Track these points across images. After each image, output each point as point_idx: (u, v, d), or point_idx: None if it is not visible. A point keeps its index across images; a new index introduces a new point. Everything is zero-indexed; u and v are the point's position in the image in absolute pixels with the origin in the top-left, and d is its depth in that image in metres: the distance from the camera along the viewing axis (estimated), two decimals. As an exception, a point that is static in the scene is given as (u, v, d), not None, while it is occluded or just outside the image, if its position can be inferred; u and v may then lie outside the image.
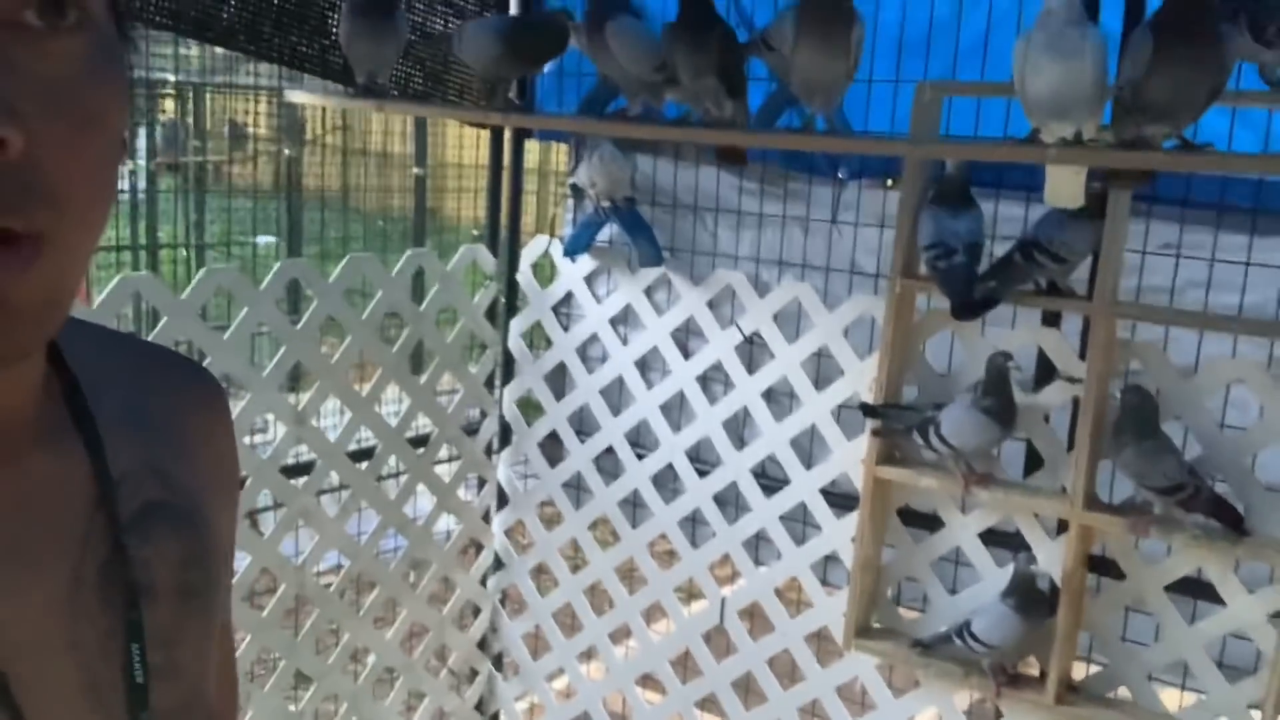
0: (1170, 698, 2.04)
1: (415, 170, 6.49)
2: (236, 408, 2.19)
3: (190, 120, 7.00)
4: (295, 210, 6.46)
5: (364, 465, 2.47)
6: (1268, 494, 1.89)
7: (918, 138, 1.97)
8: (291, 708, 2.44)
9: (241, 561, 2.27)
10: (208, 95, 7.00)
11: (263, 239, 6.19)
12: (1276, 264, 1.93)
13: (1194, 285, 2.03)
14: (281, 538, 2.33)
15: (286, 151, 6.82)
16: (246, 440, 2.25)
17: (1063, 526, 2.08)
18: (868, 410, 2.17)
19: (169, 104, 7.02)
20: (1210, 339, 2.02)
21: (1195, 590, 1.98)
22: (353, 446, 2.47)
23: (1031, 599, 2.01)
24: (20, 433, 0.57)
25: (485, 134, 2.77)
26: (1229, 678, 1.94)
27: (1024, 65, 1.69)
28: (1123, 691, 2.06)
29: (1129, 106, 1.57)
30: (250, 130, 7.17)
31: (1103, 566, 2.05)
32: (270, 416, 2.29)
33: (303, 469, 2.38)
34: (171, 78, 6.47)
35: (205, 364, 2.08)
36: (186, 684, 0.61)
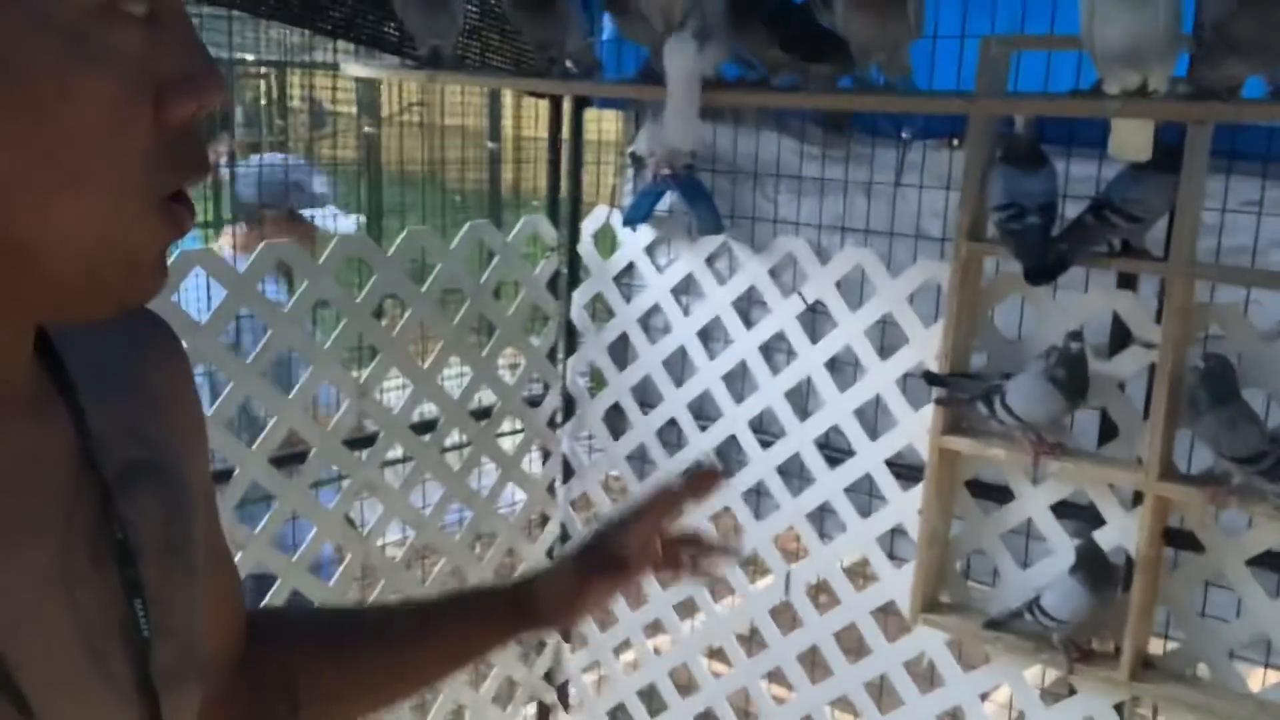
0: (1254, 676, 1.95)
1: (489, 144, 6.53)
2: (299, 381, 2.22)
3: (273, 99, 7.12)
4: (375, 187, 6.54)
5: (427, 438, 2.48)
6: (1357, 463, 1.78)
7: (980, 93, 1.89)
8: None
9: (307, 531, 2.31)
10: (290, 74, 7.10)
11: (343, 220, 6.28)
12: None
13: (1277, 245, 1.92)
14: (348, 508, 2.36)
15: (367, 129, 6.89)
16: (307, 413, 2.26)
17: (1139, 498, 1.99)
18: (931, 379, 2.10)
19: (253, 84, 7.15)
20: (1296, 301, 1.91)
21: (1278, 564, 1.88)
22: (415, 419, 2.48)
23: (1100, 573, 1.94)
24: (8, 401, 0.56)
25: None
26: (1316, 656, 1.85)
27: (1092, 14, 1.61)
28: (1201, 669, 1.98)
29: (1212, 45, 1.49)
30: (331, 108, 7.25)
31: (1180, 539, 1.96)
32: (334, 390, 2.30)
33: (366, 441, 2.40)
34: (251, 57, 6.58)
35: (265, 340, 2.11)
36: (179, 641, 0.61)
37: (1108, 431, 2.04)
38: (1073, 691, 2.13)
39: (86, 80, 0.45)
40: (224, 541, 0.77)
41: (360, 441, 2.39)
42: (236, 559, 2.14)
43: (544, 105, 2.75)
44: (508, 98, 6.31)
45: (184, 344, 0.71)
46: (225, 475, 2.08)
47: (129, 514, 0.59)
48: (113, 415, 0.61)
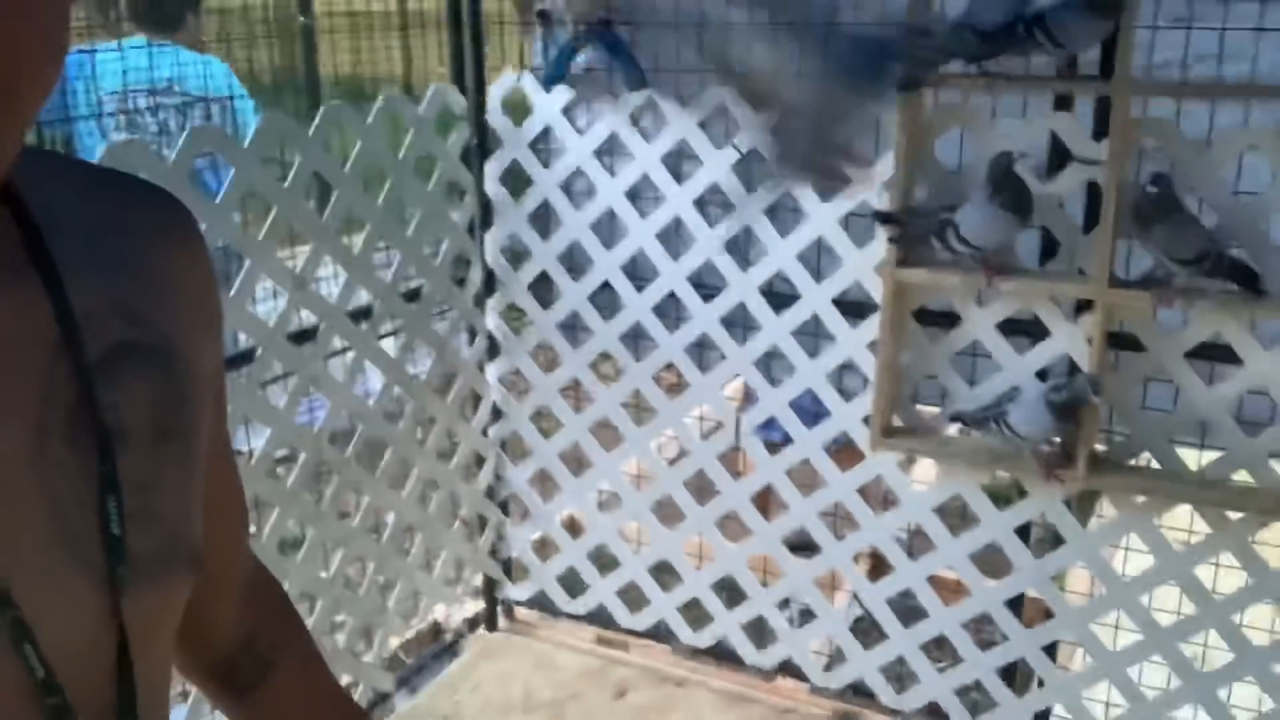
0: (1190, 458, 2.15)
1: (300, 19, 6.10)
2: (237, 279, 2.09)
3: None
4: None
5: (363, 326, 2.39)
6: (1281, 255, 1.96)
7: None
8: (322, 574, 2.42)
9: (262, 434, 2.21)
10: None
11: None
12: (1287, 28, 1.96)
13: (1202, 59, 2.05)
14: (295, 407, 2.26)
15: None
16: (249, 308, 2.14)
17: (1080, 309, 2.14)
18: (883, 218, 2.17)
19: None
20: (1221, 110, 2.06)
21: (1212, 355, 2.07)
22: (350, 308, 2.38)
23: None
24: None
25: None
26: (1248, 432, 2.05)
27: None
28: (1145, 458, 2.17)
29: None
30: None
31: (1122, 342, 2.12)
32: (269, 284, 2.18)
33: (307, 335, 2.29)
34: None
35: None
36: (167, 529, 0.59)
37: (1048, 249, 2.16)
38: (1023, 493, 2.30)
39: None
40: (229, 443, 0.75)
41: (299, 336, 2.28)
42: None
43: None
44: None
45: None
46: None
47: (112, 396, 0.57)
48: (103, 293, 0.58)
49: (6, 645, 0.51)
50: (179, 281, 0.63)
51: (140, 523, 0.57)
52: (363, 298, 2.41)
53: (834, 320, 2.37)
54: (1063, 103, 2.08)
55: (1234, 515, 2.10)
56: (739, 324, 2.50)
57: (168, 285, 0.62)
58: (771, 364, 2.52)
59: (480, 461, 2.89)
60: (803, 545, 2.59)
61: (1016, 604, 2.38)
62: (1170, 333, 2.07)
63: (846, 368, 2.41)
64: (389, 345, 2.54)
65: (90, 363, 0.56)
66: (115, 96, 3.24)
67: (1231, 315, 1.99)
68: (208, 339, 0.66)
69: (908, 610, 2.50)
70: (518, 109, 2.64)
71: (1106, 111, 2.01)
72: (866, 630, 2.61)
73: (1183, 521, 2.23)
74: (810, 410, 2.46)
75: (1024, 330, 2.21)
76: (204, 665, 0.80)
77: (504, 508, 2.97)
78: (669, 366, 2.61)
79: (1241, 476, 2.09)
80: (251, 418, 2.17)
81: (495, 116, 2.64)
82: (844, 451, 2.49)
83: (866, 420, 2.33)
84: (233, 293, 2.05)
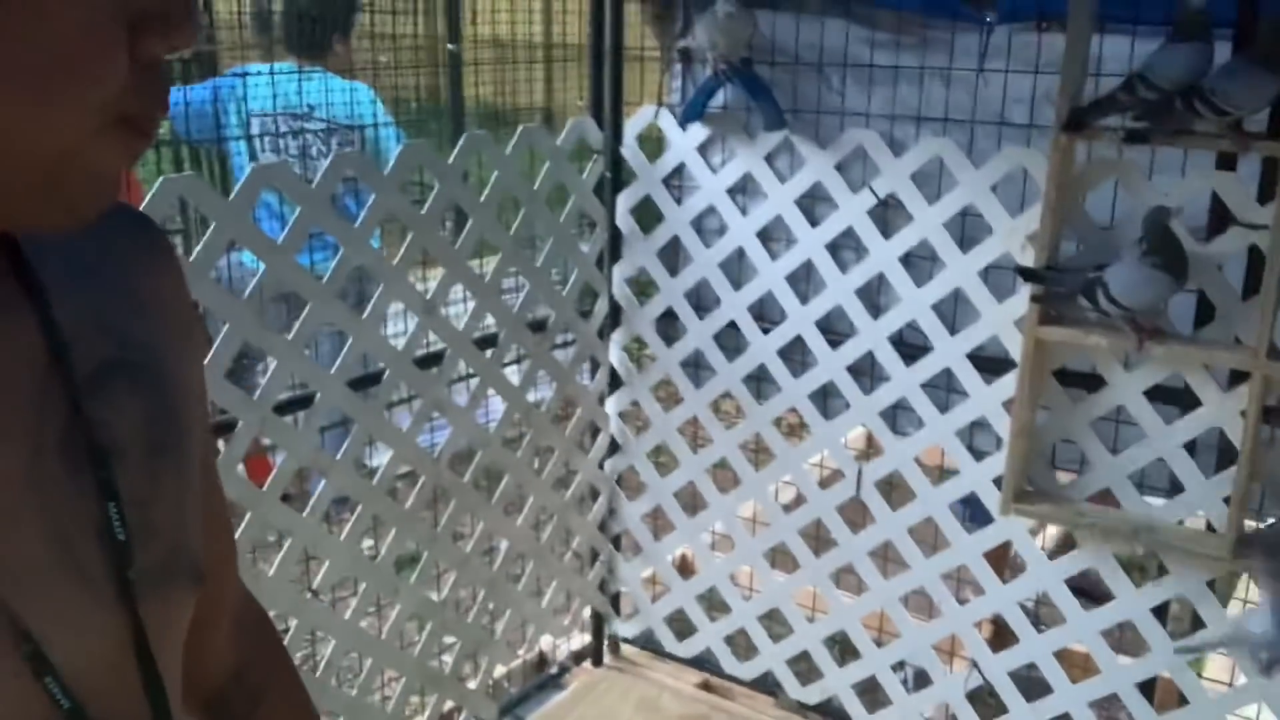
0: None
1: (449, 46, 6.23)
2: (372, 301, 2.12)
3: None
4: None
5: (489, 353, 2.41)
6: None
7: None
8: (434, 596, 2.44)
9: (383, 455, 2.23)
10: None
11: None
12: None
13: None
14: (418, 430, 2.28)
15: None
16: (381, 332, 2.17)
17: (1235, 379, 2.01)
18: (1027, 275, 2.07)
19: None
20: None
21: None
22: (477, 334, 2.40)
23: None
24: None
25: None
26: None
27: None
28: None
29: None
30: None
31: (1278, 416, 1.99)
32: (400, 306, 2.21)
33: (432, 360, 2.31)
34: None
35: (338, 258, 2.01)
36: (165, 543, 0.60)
37: (1204, 315, 2.05)
38: (1163, 571, 2.17)
39: (77, 4, 0.46)
40: (215, 470, 0.76)
41: (426, 360, 2.30)
42: (320, 486, 2.06)
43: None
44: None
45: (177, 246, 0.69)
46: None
47: (104, 414, 0.58)
48: (87, 313, 0.59)
49: (29, 679, 0.52)
50: (158, 300, 0.65)
51: (139, 537, 0.57)
52: (489, 324, 2.42)
53: (968, 374, 2.29)
54: (1226, 161, 1.97)
55: (1400, 611, 1.94)
56: (866, 373, 2.43)
57: (148, 304, 0.64)
58: (898, 416, 2.44)
59: (595, 494, 2.87)
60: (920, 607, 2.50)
61: (1149, 687, 2.24)
62: (1335, 411, 1.93)
63: (978, 425, 2.32)
64: (511, 373, 2.55)
65: (80, 381, 0.57)
66: (263, 118, 3.36)
67: (1407, 396, 1.84)
68: (191, 356, 0.68)
69: (1031, 683, 2.38)
70: (653, 144, 2.63)
71: (1273, 173, 1.90)
72: (985, 700, 2.50)
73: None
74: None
75: (1173, 399, 2.09)
76: (196, 699, 0.79)
77: (616, 542, 2.94)
78: (792, 410, 2.56)
79: None
80: (376, 438, 2.20)
81: (630, 151, 2.64)
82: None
83: (998, 481, 2.23)
84: (365, 315, 2.09)
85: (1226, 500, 2.00)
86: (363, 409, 2.12)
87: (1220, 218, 1.99)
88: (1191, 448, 2.08)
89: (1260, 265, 1.91)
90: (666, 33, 2.74)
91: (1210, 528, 2.11)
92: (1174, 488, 2.14)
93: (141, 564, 0.57)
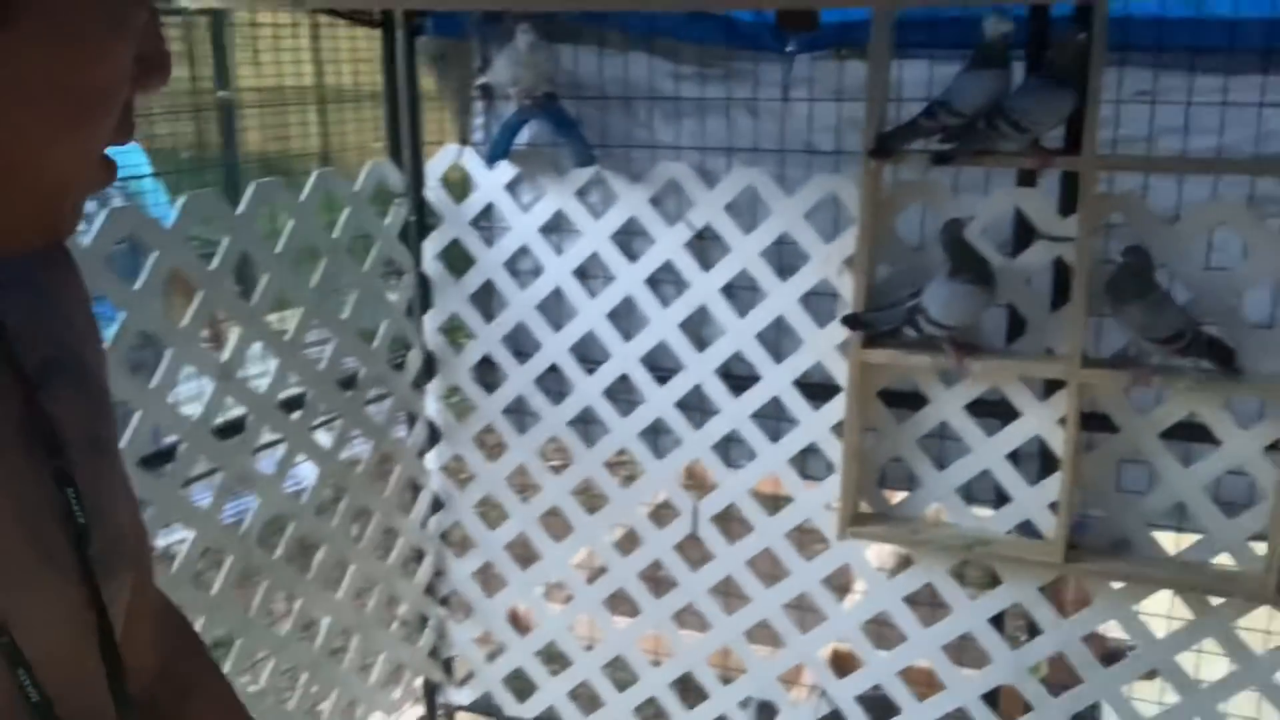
0: (1167, 541, 2.08)
1: (220, 93, 5.90)
2: (160, 368, 1.92)
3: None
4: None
5: (296, 415, 2.23)
6: (1255, 332, 1.92)
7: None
8: (251, 687, 2.23)
9: (187, 536, 2.03)
10: None
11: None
12: (1252, 103, 1.93)
13: (1168, 131, 2.02)
14: (221, 506, 2.09)
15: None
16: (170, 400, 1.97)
17: (1050, 389, 2.07)
18: (852, 323, 2.07)
19: None
20: (1189, 183, 2.02)
21: (1188, 434, 2.01)
22: (282, 396, 2.22)
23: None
24: None
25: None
26: (1226, 514, 1.99)
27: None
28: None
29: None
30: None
31: (1093, 423, 2.05)
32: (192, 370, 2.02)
33: (233, 428, 2.12)
34: None
35: (119, 320, 1.81)
36: (111, 532, 0.62)
37: (1015, 328, 2.10)
38: (996, 581, 2.20)
39: (118, 48, 0.52)
40: (124, 465, 0.75)
41: (225, 429, 2.11)
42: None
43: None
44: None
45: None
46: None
47: (52, 409, 0.59)
48: (26, 316, 0.61)
49: (3, 671, 0.53)
50: (72, 303, 0.66)
51: (94, 522, 0.59)
52: (294, 384, 2.25)
53: (796, 402, 2.28)
54: (1027, 178, 2.03)
55: (1215, 600, 2.03)
56: (695, 407, 2.39)
57: (65, 306, 0.65)
58: (730, 448, 2.41)
59: (420, 555, 2.71)
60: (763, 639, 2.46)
61: (993, 697, 2.27)
62: (1144, 412, 2.01)
63: (810, 451, 2.31)
64: (322, 435, 2.37)
65: (30, 375, 0.59)
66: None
67: (1207, 394, 1.93)
68: (100, 356, 0.69)
69: (878, 704, 2.38)
70: (458, 185, 2.52)
71: (1073, 187, 1.96)
72: (834, 727, 2.48)
73: (1162, 607, 2.16)
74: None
75: (993, 411, 2.13)
76: None
77: (445, 604, 2.79)
78: (622, 452, 2.49)
79: (1222, 560, 2.02)
80: (173, 520, 1.99)
81: (434, 193, 2.52)
82: (806, 539, 2.38)
83: (830, 506, 2.23)
84: (153, 384, 1.89)
85: (1052, 506, 2.05)
86: (156, 488, 1.92)
87: (1025, 232, 2.04)
88: (1014, 458, 2.12)
89: (1066, 277, 1.98)
90: (448, 74, 2.65)
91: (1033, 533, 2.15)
92: (1000, 499, 2.18)
93: (97, 548, 0.59)
